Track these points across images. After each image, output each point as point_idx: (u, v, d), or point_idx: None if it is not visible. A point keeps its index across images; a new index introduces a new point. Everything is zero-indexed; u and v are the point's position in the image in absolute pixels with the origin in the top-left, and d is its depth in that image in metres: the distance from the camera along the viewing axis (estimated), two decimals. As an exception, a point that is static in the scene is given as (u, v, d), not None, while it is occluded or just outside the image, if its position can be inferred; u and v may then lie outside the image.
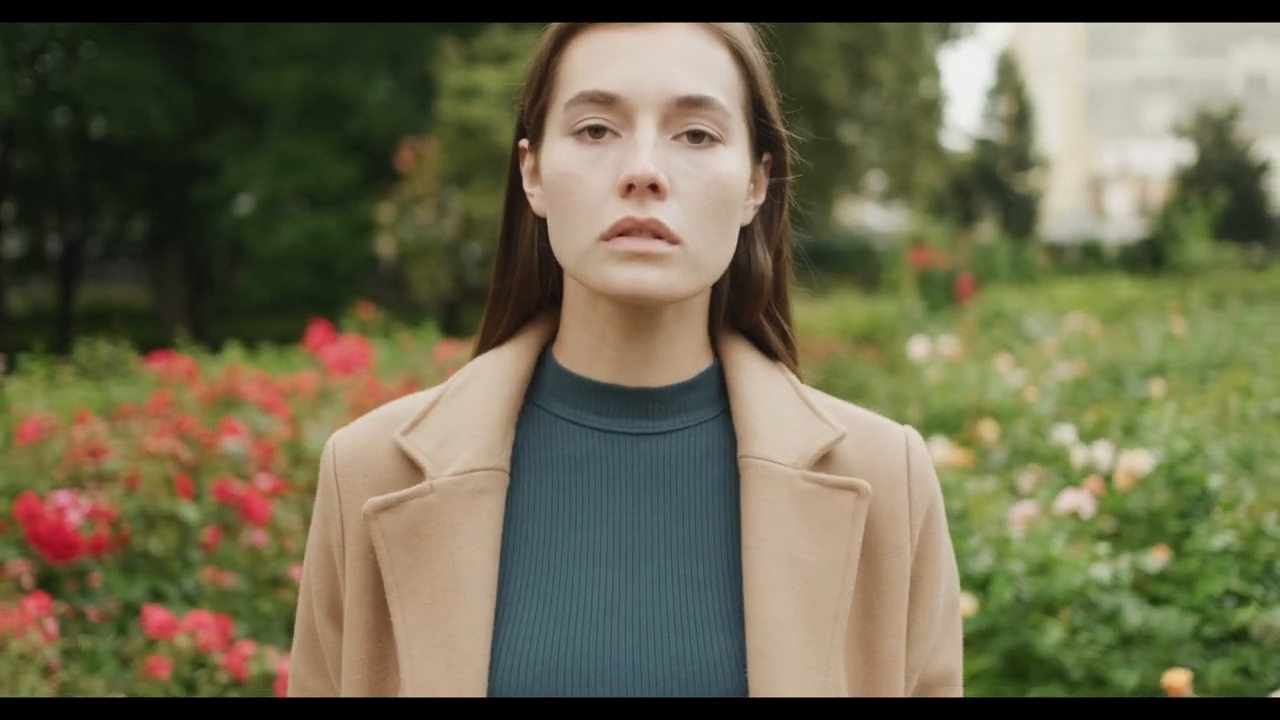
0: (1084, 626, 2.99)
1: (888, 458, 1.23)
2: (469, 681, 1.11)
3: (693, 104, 1.14)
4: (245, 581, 4.16)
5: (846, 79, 25.13)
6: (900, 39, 25.62)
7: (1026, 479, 4.30)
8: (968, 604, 3.42)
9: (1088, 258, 27.09)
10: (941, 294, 14.03)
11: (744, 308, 1.27)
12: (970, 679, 3.47)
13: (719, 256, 1.17)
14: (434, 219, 22.72)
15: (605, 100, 1.14)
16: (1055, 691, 3.05)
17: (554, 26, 1.21)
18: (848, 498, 1.17)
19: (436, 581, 1.15)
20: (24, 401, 6.29)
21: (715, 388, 1.25)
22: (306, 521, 4.34)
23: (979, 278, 14.73)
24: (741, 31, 1.21)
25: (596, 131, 1.15)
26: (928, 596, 1.23)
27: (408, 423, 1.23)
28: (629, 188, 1.12)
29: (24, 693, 3.04)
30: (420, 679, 1.12)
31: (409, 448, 1.20)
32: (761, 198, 1.26)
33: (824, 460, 1.20)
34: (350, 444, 1.24)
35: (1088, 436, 4.54)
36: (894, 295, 13.62)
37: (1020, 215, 35.90)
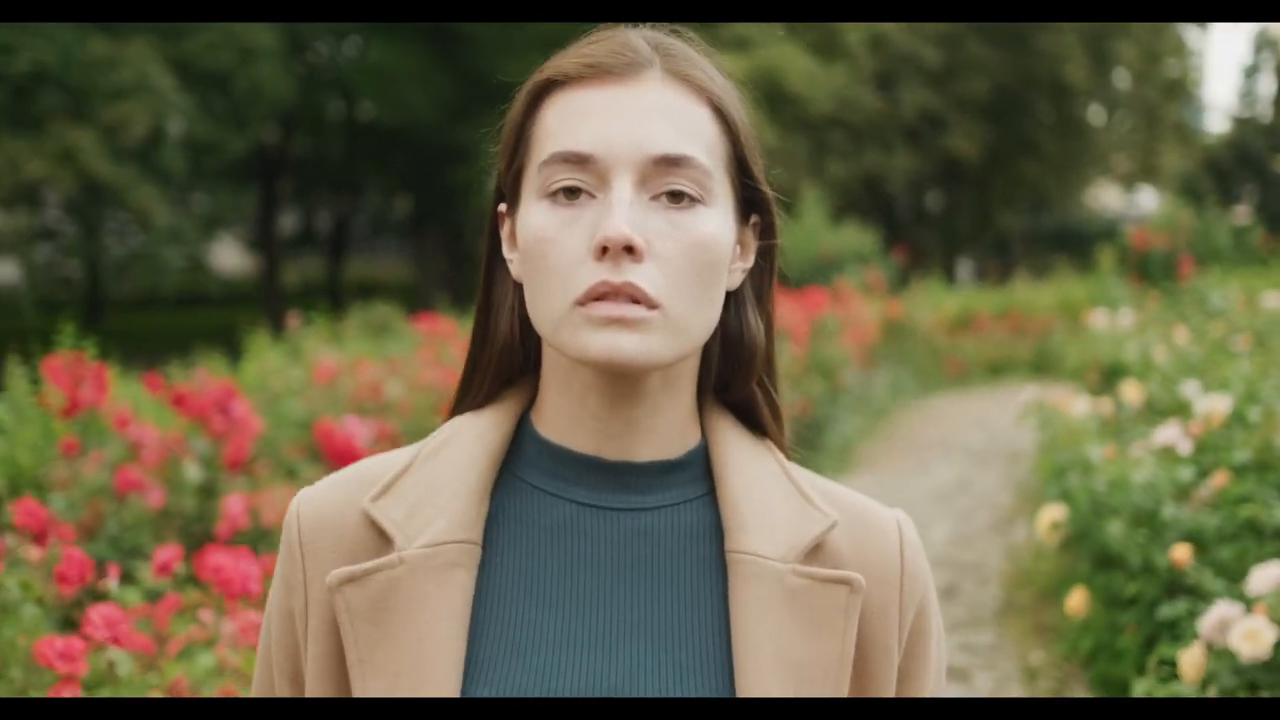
0: (1141, 525, 3.82)
1: (880, 547, 1.18)
2: None
3: (670, 163, 1.10)
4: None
5: (1088, 61, 25.19)
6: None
7: (1144, 425, 5.07)
8: (1060, 514, 4.27)
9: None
10: (1161, 273, 14.41)
11: (736, 378, 1.22)
12: (1064, 578, 4.31)
13: (702, 321, 1.12)
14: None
15: (579, 160, 1.10)
16: (1117, 580, 3.88)
17: (526, 86, 1.19)
18: (840, 592, 1.13)
19: (401, 659, 1.10)
20: (314, 352, 7.60)
21: (702, 467, 1.20)
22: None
23: (1201, 259, 15.02)
24: (723, 88, 1.17)
25: (571, 193, 1.11)
26: (912, 695, 1.20)
27: (378, 489, 1.16)
28: (603, 250, 1.08)
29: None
30: None
31: (378, 516, 1.14)
32: (750, 261, 1.21)
33: (814, 550, 1.15)
34: (317, 509, 1.18)
35: (1211, 389, 5.25)
36: (1102, 275, 14.15)
37: (1280, 197, 34.93)
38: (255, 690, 1.23)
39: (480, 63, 26.59)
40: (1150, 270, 14.61)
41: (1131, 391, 5.80)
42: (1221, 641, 3.12)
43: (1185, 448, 4.45)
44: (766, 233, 1.21)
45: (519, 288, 1.20)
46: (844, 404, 10.86)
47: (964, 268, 19.34)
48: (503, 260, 1.22)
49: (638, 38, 1.16)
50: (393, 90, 26.16)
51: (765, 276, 1.23)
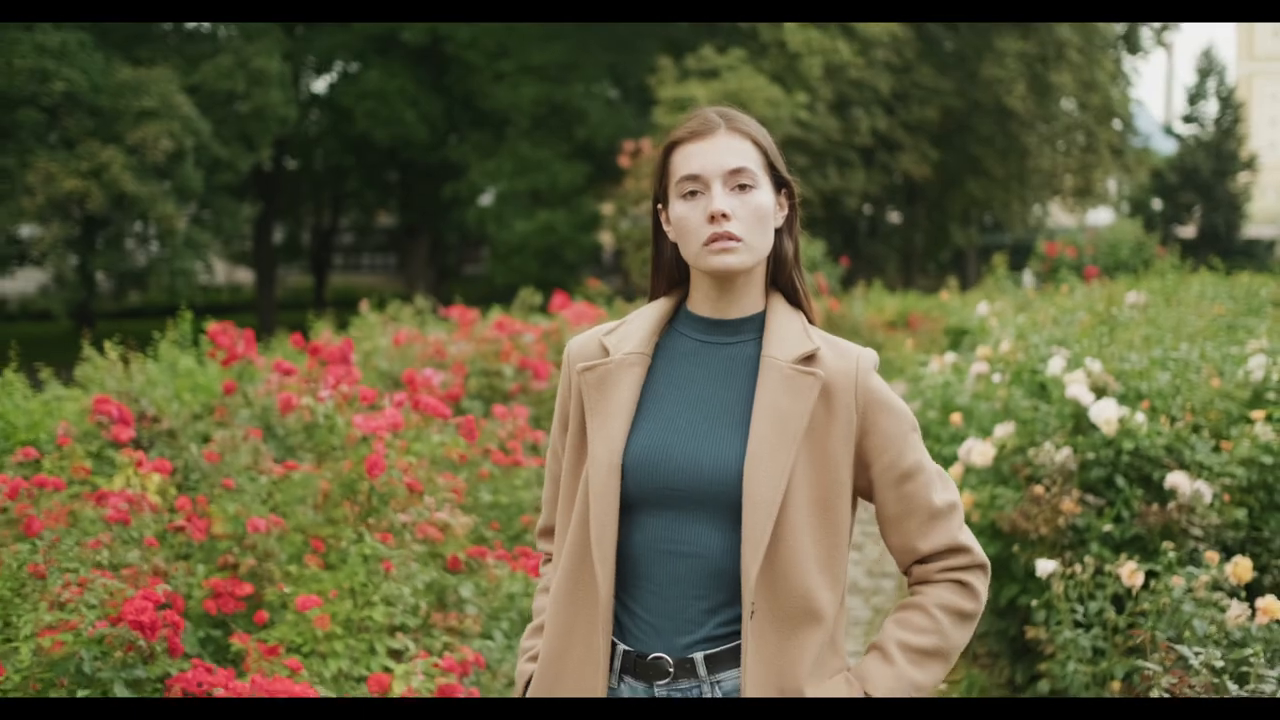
0: (947, 410, 6.52)
1: (846, 363, 2.26)
2: (614, 456, 2.24)
3: (736, 171, 2.23)
4: (543, 415, 7.94)
5: (1028, 88, 27.93)
6: (1079, 51, 28.32)
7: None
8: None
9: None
10: (1071, 279, 17.14)
11: (778, 273, 2.34)
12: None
13: (764, 245, 2.26)
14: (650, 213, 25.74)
15: (694, 178, 2.24)
16: (931, 444, 6.57)
17: (662, 146, 2.32)
18: (810, 378, 2.22)
19: (607, 409, 2.29)
20: (379, 329, 10.25)
21: (762, 322, 2.32)
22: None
23: (1107, 269, 17.77)
24: (757, 130, 2.30)
25: (693, 194, 2.25)
26: (884, 437, 2.25)
27: (607, 330, 2.38)
28: (712, 218, 2.21)
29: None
30: (595, 454, 2.26)
31: (606, 341, 2.36)
32: (785, 212, 2.34)
33: (808, 360, 2.24)
34: (577, 343, 2.41)
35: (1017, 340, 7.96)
36: (996, 276, 16.93)
37: (1226, 215, 37.38)
38: (550, 438, 2.64)
39: (471, 86, 29.14)
40: (1060, 276, 17.37)
41: (982, 348, 8.52)
42: (969, 460, 5.78)
43: (997, 376, 7.16)
44: (790, 195, 2.34)
45: (673, 244, 2.39)
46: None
47: (1026, 278, 21.58)
48: (663, 231, 2.40)
49: (711, 113, 2.30)
50: (385, 110, 28.49)
51: (793, 218, 2.36)
